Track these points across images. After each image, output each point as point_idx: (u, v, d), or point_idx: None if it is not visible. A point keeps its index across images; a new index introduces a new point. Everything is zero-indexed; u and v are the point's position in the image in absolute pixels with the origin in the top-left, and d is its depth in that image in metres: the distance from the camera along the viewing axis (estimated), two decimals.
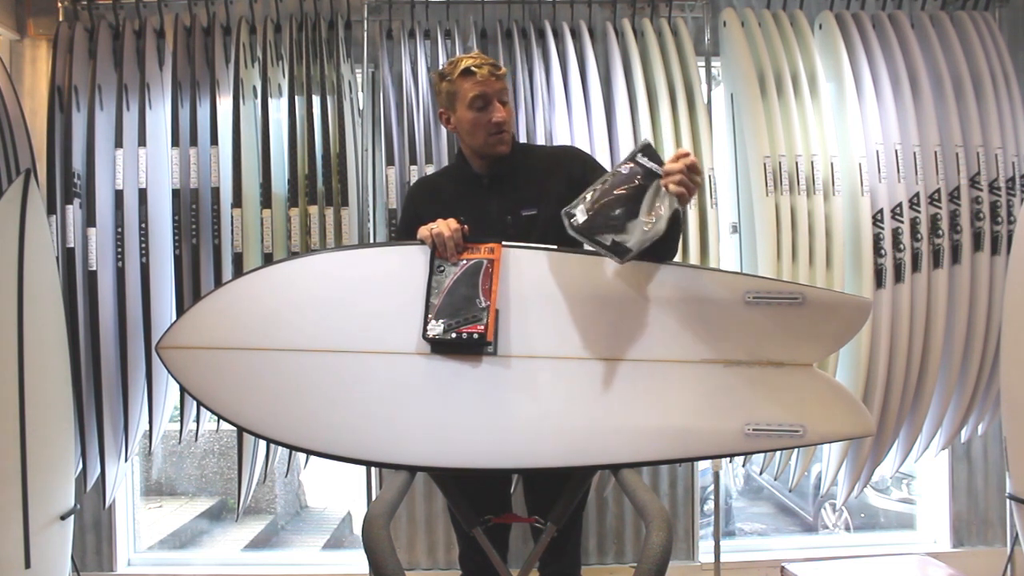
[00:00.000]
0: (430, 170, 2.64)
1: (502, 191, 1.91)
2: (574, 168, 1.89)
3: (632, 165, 1.60)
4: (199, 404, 2.17)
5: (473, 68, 1.81)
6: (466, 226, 1.70)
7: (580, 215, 1.58)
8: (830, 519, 4.07)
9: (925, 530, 3.29)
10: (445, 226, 1.67)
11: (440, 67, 1.91)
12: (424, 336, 1.61)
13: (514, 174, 1.92)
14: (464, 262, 1.67)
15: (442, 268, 1.67)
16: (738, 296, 1.60)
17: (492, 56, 2.52)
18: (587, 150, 2.66)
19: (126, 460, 2.85)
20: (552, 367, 1.62)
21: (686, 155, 1.57)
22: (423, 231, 1.70)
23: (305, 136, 2.68)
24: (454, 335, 1.61)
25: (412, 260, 1.69)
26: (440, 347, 1.62)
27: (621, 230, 1.56)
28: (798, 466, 2.86)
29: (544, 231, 1.80)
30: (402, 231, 2.01)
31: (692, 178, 1.55)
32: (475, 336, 1.60)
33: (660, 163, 1.59)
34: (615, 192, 1.59)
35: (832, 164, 2.71)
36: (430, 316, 1.63)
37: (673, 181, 1.55)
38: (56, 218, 2.69)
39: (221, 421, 1.69)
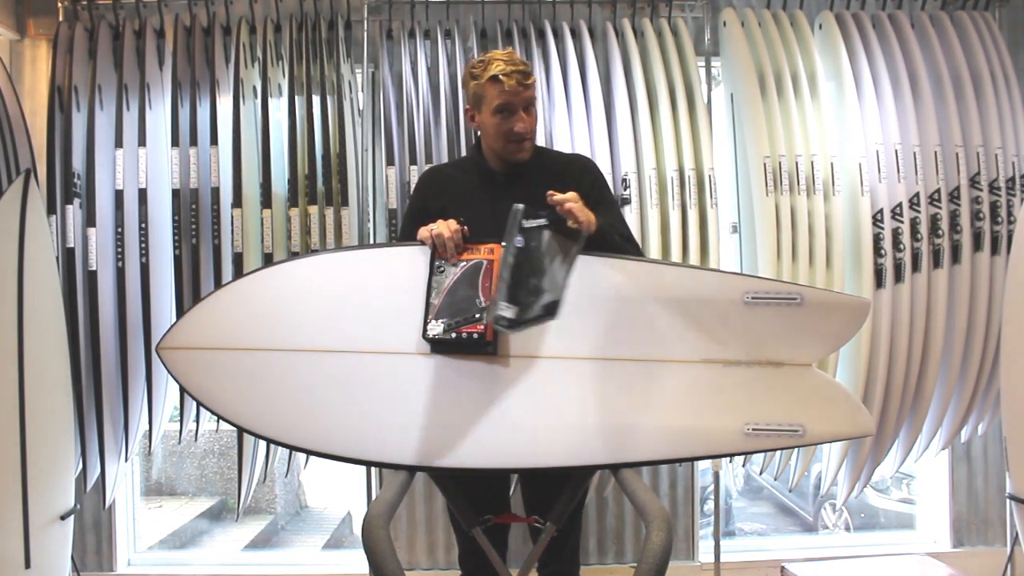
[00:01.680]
0: None
1: (515, 190, 1.91)
2: (584, 178, 1.92)
3: (519, 236, 1.56)
4: (199, 404, 2.16)
5: (501, 77, 1.81)
6: (466, 227, 1.70)
7: (508, 312, 1.49)
8: (830, 519, 4.07)
9: (925, 530, 3.29)
10: (445, 227, 1.68)
11: (471, 62, 1.92)
12: (424, 336, 1.62)
13: (529, 175, 1.93)
14: (464, 263, 1.67)
15: (442, 268, 1.67)
16: (737, 296, 1.60)
17: None
18: (587, 150, 2.67)
19: (126, 460, 2.85)
20: (552, 367, 1.62)
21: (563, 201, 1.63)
22: (423, 232, 1.71)
23: (305, 136, 2.68)
24: (454, 335, 1.61)
25: (412, 260, 1.70)
26: (440, 347, 1.62)
27: (543, 292, 1.53)
28: (798, 466, 2.86)
29: None
30: (407, 219, 2.02)
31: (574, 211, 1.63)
32: (475, 336, 1.60)
33: (542, 215, 1.60)
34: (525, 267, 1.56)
35: (832, 164, 2.71)
36: (430, 316, 1.63)
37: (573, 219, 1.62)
38: (56, 218, 2.68)
39: (221, 421, 1.69)
